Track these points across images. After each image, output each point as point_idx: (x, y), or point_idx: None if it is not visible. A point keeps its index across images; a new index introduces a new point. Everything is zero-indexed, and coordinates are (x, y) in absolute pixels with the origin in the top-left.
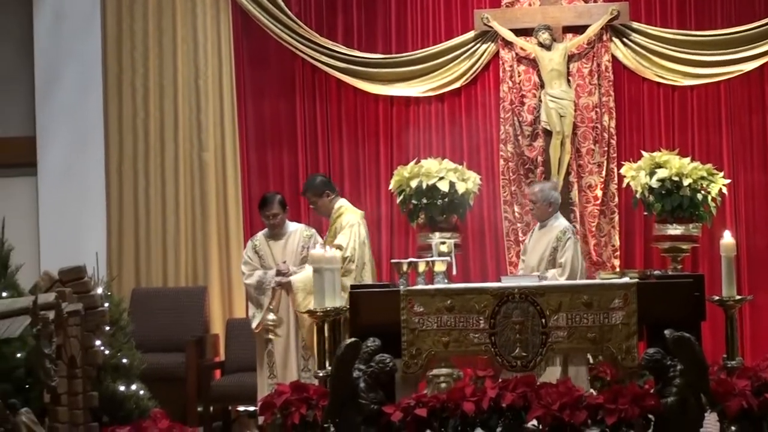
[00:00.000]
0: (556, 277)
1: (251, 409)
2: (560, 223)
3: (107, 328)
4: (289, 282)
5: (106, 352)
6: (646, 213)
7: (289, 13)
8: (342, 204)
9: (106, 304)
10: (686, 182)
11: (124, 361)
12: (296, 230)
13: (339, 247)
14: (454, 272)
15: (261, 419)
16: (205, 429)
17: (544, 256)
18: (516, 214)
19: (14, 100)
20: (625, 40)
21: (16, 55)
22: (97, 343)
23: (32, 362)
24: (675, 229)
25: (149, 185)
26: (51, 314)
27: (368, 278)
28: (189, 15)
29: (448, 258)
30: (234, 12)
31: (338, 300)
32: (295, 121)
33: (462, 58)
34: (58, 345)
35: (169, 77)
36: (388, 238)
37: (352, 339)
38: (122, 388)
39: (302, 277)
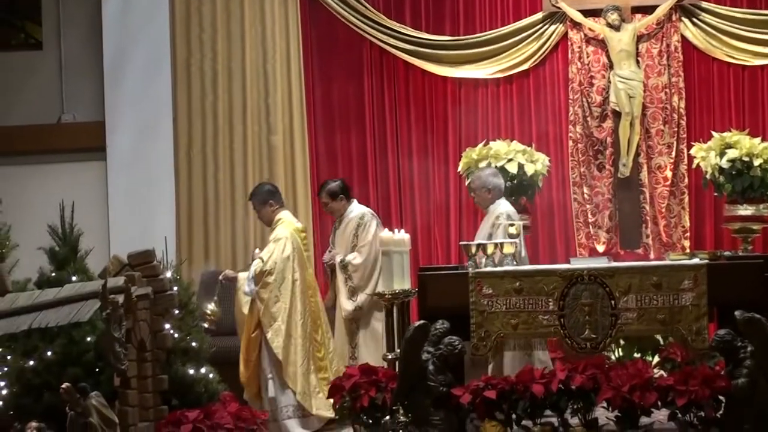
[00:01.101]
0: None
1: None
2: (499, 208)
3: (176, 311)
4: (236, 278)
5: (175, 335)
6: (716, 194)
7: None
8: (281, 216)
9: (175, 288)
10: (757, 162)
11: (194, 344)
12: (354, 216)
13: (261, 259)
14: (523, 254)
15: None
16: None
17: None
18: (585, 195)
19: (83, 85)
20: (694, 19)
21: (84, 39)
22: (166, 326)
23: (102, 346)
24: (745, 210)
25: (218, 169)
26: (120, 298)
27: (286, 294)
28: None
29: (516, 240)
30: None
31: (406, 282)
32: (363, 103)
33: (530, 39)
34: (128, 329)
35: (238, 61)
36: (456, 220)
37: (421, 321)
38: (191, 371)
39: (243, 275)
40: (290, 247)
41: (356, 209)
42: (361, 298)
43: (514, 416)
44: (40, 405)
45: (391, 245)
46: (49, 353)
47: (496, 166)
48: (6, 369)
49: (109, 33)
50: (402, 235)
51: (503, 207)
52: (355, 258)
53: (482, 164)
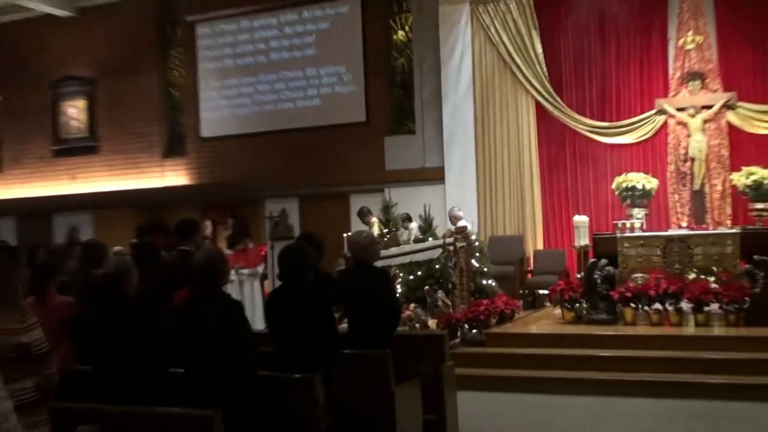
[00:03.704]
0: None
1: (544, 292)
2: None
3: (478, 254)
4: None
5: (477, 265)
6: None
7: None
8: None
9: (477, 243)
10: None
11: (485, 269)
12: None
13: None
14: None
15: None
16: (524, 301)
17: None
18: None
19: None
20: None
21: None
22: (473, 261)
23: (443, 269)
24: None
25: None
26: (451, 247)
27: None
28: None
29: None
30: None
31: None
32: None
33: None
34: (455, 261)
35: None
36: None
37: None
38: (484, 282)
39: None
40: None
41: None
42: None
43: (640, 306)
44: (414, 295)
45: None
46: (419, 273)
47: None
48: (399, 280)
49: None
50: None
51: None
52: None
53: None
